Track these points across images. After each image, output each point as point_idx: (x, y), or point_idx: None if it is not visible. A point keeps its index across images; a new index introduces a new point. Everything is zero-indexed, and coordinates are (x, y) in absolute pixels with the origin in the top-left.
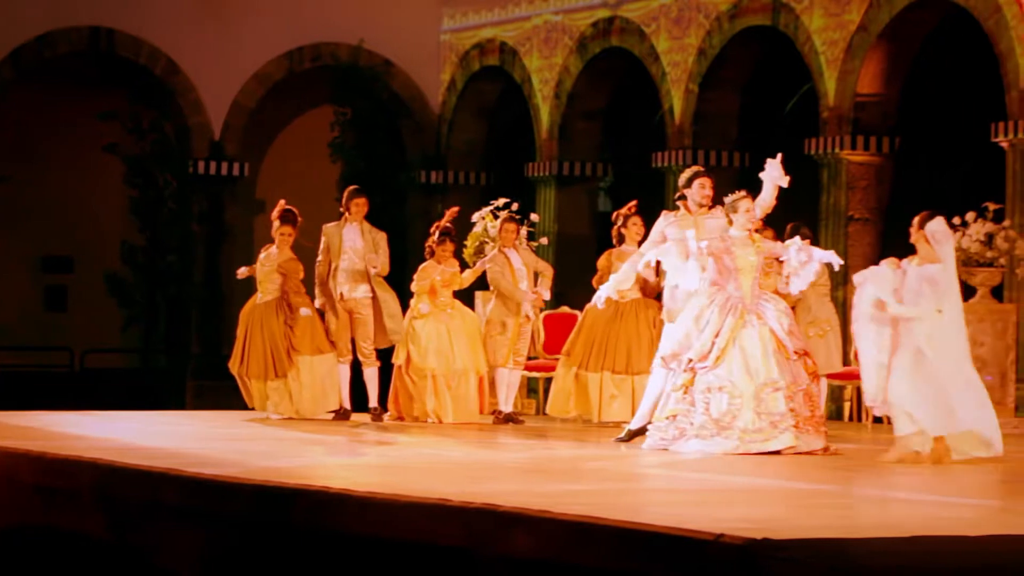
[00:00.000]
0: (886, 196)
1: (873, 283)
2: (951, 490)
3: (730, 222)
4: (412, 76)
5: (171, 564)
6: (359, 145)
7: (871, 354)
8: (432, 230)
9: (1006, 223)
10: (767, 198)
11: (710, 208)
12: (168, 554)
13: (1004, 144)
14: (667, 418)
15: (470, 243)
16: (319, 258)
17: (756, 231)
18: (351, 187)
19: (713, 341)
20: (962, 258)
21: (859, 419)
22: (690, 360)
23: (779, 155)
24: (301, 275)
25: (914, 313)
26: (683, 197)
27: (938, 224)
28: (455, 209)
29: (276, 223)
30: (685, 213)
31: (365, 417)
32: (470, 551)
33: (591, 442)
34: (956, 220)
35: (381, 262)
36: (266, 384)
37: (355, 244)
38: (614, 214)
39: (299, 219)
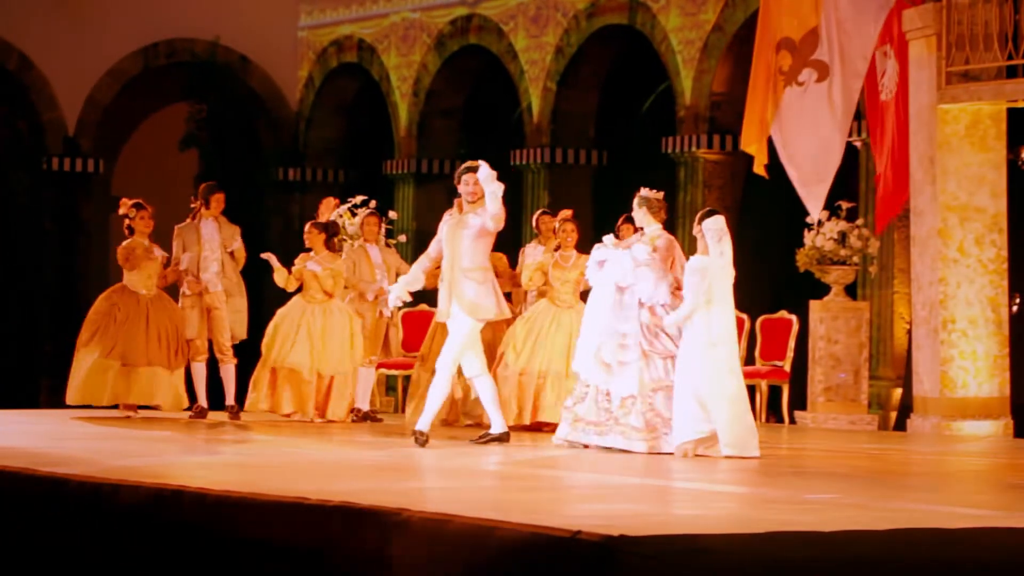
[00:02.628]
0: (740, 194)
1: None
2: (805, 487)
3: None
4: (269, 73)
5: (24, 564)
6: (215, 142)
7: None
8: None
9: (859, 221)
10: (491, 208)
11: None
12: (20, 554)
13: (857, 143)
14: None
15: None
16: (179, 261)
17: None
18: (209, 182)
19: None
20: (816, 256)
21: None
22: None
23: (482, 162)
24: None
25: (682, 316)
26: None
27: (715, 222)
28: (332, 201)
29: (134, 212)
30: (457, 209)
31: (223, 415)
32: (326, 550)
33: (449, 440)
34: (810, 219)
35: (237, 249)
36: (170, 373)
37: (214, 238)
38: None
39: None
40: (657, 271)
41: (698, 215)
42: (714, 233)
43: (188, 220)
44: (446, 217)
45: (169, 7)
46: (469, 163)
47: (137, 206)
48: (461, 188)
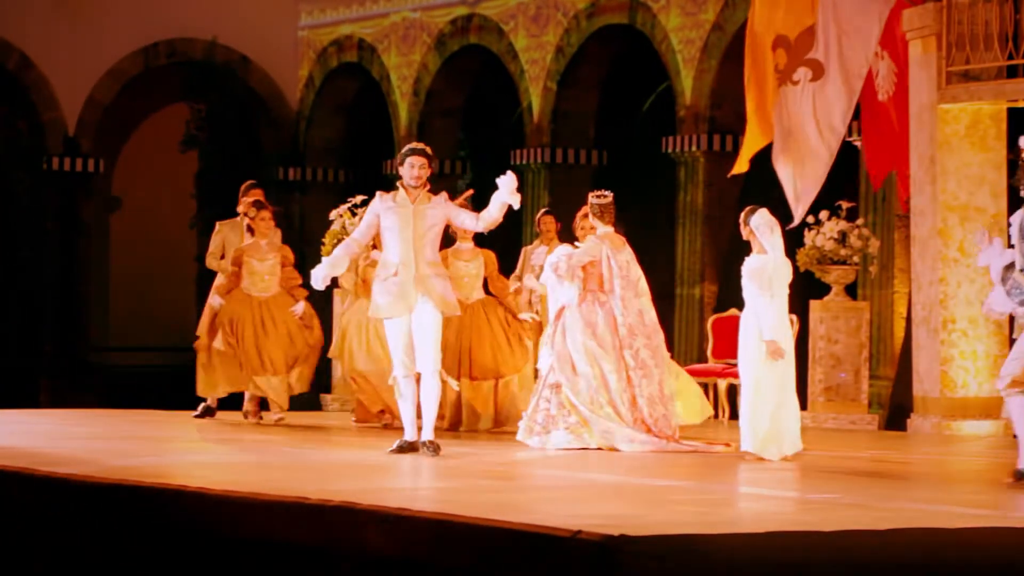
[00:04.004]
0: (739, 194)
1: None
2: (805, 487)
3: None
4: (269, 72)
5: (26, 565)
6: (215, 141)
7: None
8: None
9: (859, 221)
10: (493, 214)
11: (427, 190)
12: (23, 554)
13: (858, 143)
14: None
15: (328, 241)
16: (220, 256)
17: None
18: (248, 180)
19: None
20: (816, 256)
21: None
22: None
23: (511, 174)
24: None
25: (767, 325)
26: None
27: (760, 217)
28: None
29: (255, 211)
30: (405, 196)
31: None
32: (328, 549)
33: (450, 441)
34: (810, 219)
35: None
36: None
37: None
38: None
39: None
40: (562, 273)
41: (742, 216)
42: (765, 227)
43: (232, 219)
44: (387, 203)
45: (169, 7)
46: (415, 144)
47: (257, 204)
48: (405, 171)
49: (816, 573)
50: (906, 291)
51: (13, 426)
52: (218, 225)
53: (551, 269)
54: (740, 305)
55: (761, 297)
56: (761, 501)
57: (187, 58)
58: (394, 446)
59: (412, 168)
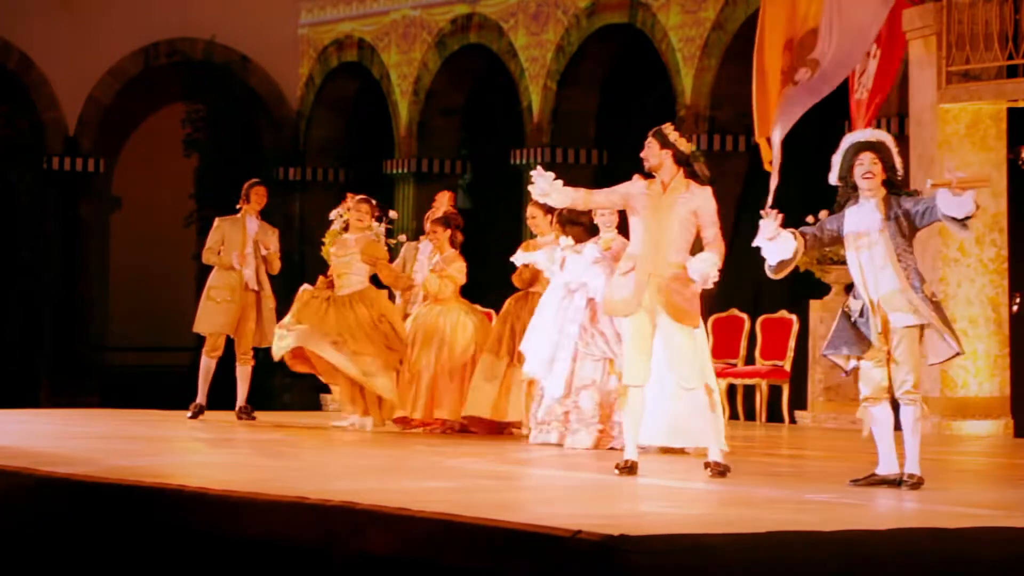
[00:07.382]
0: (740, 193)
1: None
2: (805, 488)
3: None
4: (269, 71)
5: (27, 565)
6: (215, 141)
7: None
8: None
9: None
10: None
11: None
12: (23, 554)
13: None
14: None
15: (328, 241)
16: (217, 251)
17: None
18: (252, 179)
19: None
20: (816, 256)
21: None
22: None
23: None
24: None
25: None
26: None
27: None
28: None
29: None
30: (657, 184)
31: (231, 415)
32: (327, 549)
33: (448, 440)
34: (810, 219)
35: (273, 253)
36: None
37: (254, 235)
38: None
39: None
40: (608, 269)
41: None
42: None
43: (232, 215)
44: (639, 187)
45: (169, 7)
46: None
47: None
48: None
49: (816, 573)
50: None
51: (13, 426)
52: (217, 221)
53: (596, 262)
54: (740, 305)
55: None
56: (760, 501)
57: (187, 58)
58: (622, 466)
59: (644, 149)
